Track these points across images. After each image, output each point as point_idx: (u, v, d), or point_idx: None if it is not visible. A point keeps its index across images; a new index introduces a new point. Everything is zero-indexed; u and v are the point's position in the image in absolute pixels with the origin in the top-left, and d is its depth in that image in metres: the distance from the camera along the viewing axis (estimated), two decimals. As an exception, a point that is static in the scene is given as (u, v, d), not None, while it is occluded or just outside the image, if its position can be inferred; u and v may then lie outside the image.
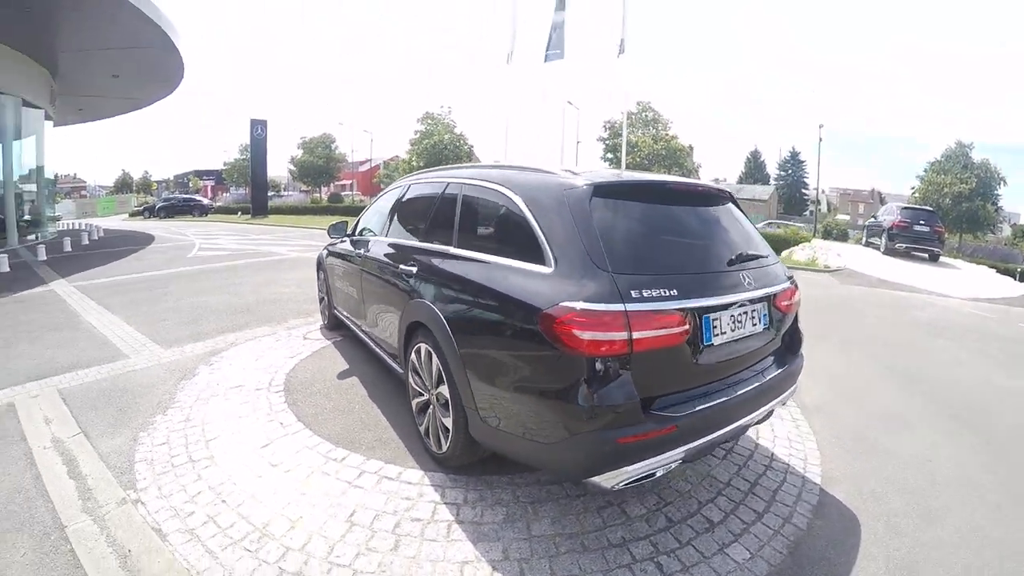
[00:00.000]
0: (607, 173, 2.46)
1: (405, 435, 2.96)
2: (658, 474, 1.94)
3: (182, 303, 6.35)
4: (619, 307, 1.78)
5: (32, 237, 15.87)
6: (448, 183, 2.99)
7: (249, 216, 28.70)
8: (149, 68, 16.59)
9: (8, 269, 9.26)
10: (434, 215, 3.01)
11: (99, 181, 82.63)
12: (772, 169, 60.46)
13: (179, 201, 34.06)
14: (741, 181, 57.86)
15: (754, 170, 60.32)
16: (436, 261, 2.70)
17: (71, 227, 21.73)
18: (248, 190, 35.18)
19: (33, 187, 17.88)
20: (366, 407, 3.35)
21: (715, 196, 2.53)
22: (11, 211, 14.77)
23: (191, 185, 63.97)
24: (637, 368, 1.82)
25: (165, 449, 2.84)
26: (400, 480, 2.53)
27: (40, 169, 17.96)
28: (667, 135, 31.96)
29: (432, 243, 2.88)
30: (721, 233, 2.40)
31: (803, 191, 57.93)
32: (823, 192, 68.48)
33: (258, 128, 30.50)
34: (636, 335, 1.78)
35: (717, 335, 2.08)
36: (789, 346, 2.58)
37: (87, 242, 14.77)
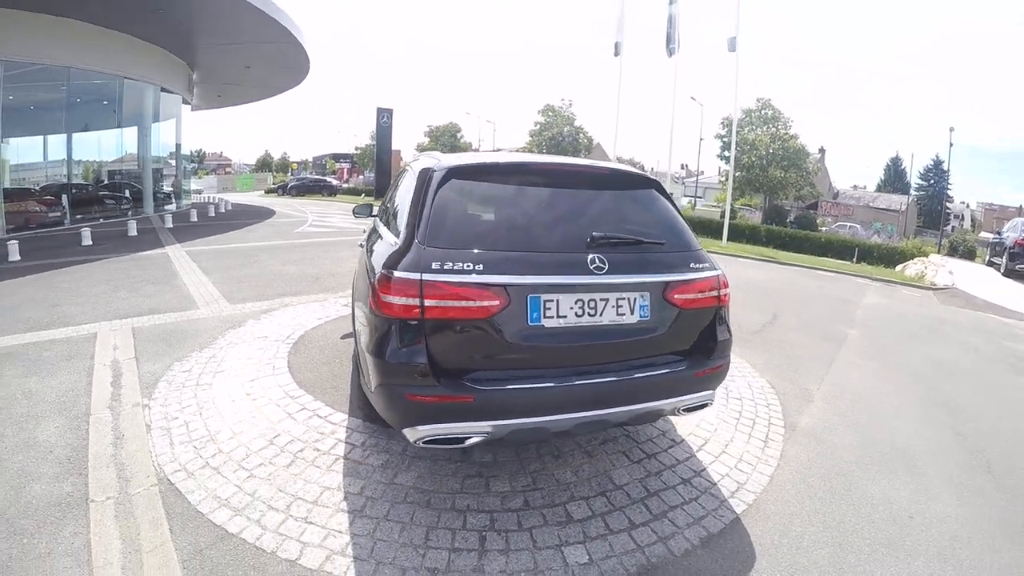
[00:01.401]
0: (480, 156, 2.62)
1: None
2: (467, 443, 2.08)
3: (264, 270, 7.70)
4: (416, 276, 1.99)
5: (168, 207, 19.42)
6: (407, 168, 3.30)
7: (373, 199, 31.88)
8: (277, 60, 19.43)
9: (136, 233, 11.73)
10: (387, 196, 3.54)
11: (244, 160, 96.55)
12: (915, 179, 53.41)
13: (310, 181, 38.76)
14: (880, 189, 53.02)
15: (894, 178, 55.38)
16: (371, 237, 3.19)
17: (206, 200, 25.76)
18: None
19: (171, 163, 21.79)
20: (345, 363, 4.05)
21: (601, 177, 2.57)
22: (148, 184, 18.35)
23: (327, 167, 71.70)
24: (433, 334, 2.02)
25: (184, 375, 3.79)
26: (326, 419, 3.15)
27: (178, 147, 21.92)
28: (786, 134, 30.16)
29: (379, 221, 3.35)
30: (588, 215, 2.39)
31: (946, 204, 50.11)
32: (967, 206, 57.62)
33: (384, 116, 33.41)
34: (428, 303, 1.99)
35: (550, 318, 2.09)
36: (697, 347, 2.40)
37: (213, 214, 17.81)
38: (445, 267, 2.03)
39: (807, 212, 33.95)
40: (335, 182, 40.66)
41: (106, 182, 18.03)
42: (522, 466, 2.68)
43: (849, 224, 32.25)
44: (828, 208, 35.34)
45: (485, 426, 2.06)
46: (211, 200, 24.77)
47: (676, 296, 2.31)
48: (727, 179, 23.54)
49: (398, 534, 2.19)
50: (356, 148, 55.05)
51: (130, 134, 19.20)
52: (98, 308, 5.43)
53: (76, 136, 16.91)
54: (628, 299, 2.22)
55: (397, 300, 2.02)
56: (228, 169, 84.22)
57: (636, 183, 2.61)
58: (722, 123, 31.14)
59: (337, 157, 72.53)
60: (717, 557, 2.13)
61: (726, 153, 31.96)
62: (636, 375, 2.24)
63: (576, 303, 2.14)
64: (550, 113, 36.62)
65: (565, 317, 2.12)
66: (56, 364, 3.92)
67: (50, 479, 2.52)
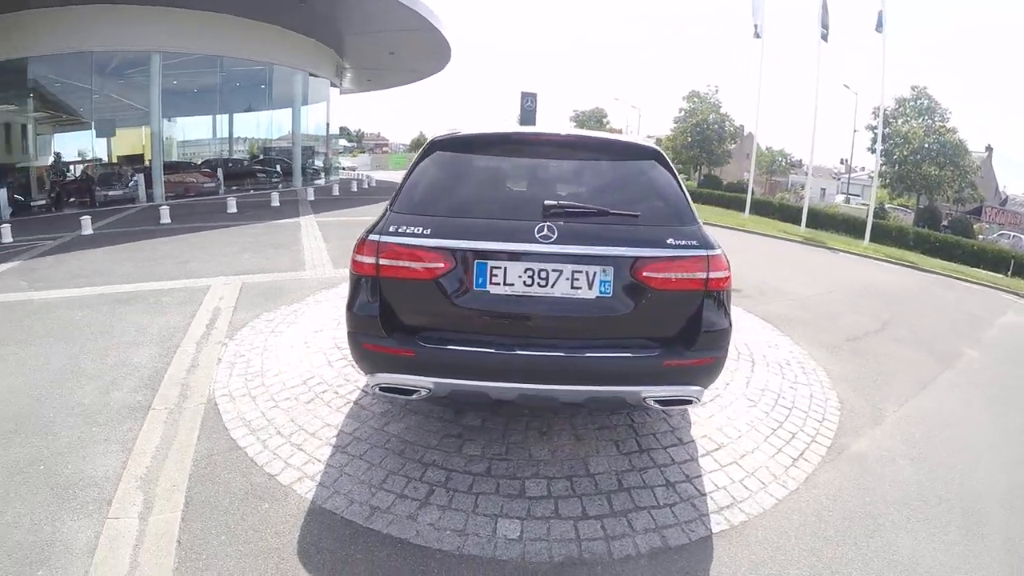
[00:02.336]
0: (477, 128, 2.62)
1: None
2: (414, 396, 2.24)
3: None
4: (376, 238, 2.19)
5: (317, 182, 22.35)
6: None
7: None
8: (419, 47, 21.29)
9: (278, 204, 13.76)
10: None
11: (400, 140, 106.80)
12: None
13: None
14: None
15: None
16: None
17: (353, 177, 28.42)
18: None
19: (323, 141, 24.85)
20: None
21: (592, 148, 2.52)
22: (297, 160, 21.24)
23: None
24: (388, 292, 2.21)
25: (266, 323, 4.50)
26: (357, 369, 3.51)
27: (327, 127, 25.11)
28: (942, 127, 26.55)
29: None
30: (562, 185, 2.40)
31: None
32: None
33: (528, 100, 34.56)
34: (382, 262, 2.18)
35: (497, 284, 2.13)
36: (677, 335, 2.22)
37: (355, 189, 20.12)
38: (399, 231, 2.19)
39: (964, 217, 29.26)
40: None
41: (260, 158, 21.38)
42: (503, 435, 2.74)
43: (1013, 234, 26.68)
44: (993, 215, 29.02)
45: (427, 382, 2.19)
46: (358, 177, 27.56)
47: (646, 274, 2.14)
48: (876, 175, 21.76)
49: (363, 472, 2.45)
50: None
51: (283, 115, 22.51)
52: (220, 265, 6.64)
53: (232, 116, 20.36)
54: (586, 272, 2.13)
55: (361, 259, 2.24)
56: (385, 148, 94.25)
57: (631, 153, 2.50)
58: (873, 113, 27.65)
59: None
60: (656, 573, 1.95)
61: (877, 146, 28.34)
62: (589, 354, 2.16)
63: (525, 272, 2.13)
64: (695, 99, 35.80)
65: (512, 285, 2.14)
66: (168, 307, 4.92)
67: (129, 390, 3.28)
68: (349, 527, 2.11)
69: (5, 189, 15.54)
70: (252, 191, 18.20)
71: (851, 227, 17.64)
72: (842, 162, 50.12)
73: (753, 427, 2.93)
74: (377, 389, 2.30)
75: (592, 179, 2.42)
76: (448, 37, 20.25)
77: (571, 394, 2.20)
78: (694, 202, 2.43)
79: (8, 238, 9.09)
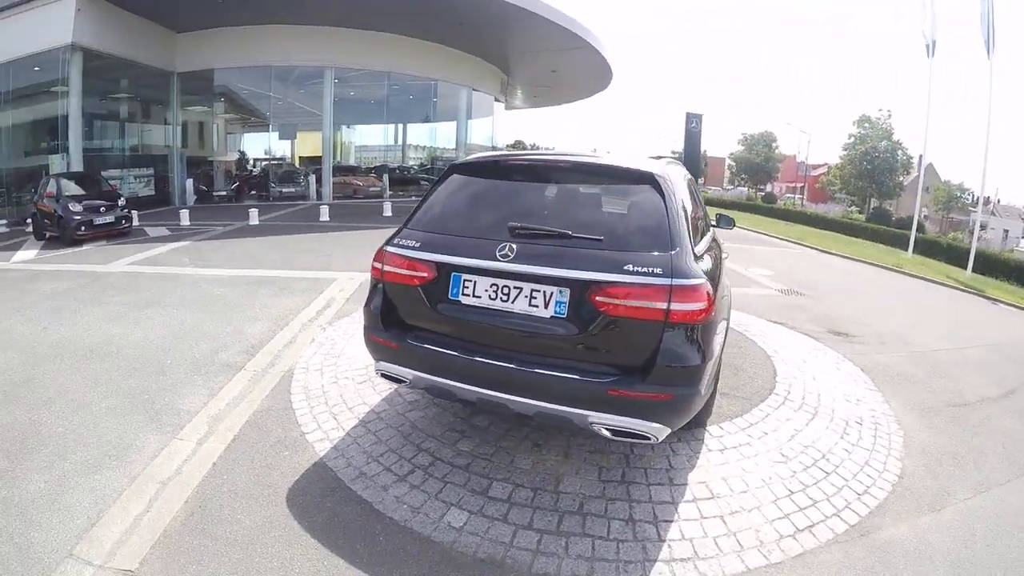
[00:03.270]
0: (494, 154, 2.91)
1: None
2: (400, 385, 2.64)
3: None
4: (386, 248, 2.66)
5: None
6: None
7: None
8: (580, 66, 22.34)
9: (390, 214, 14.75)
10: None
11: None
12: None
13: None
14: None
15: None
16: None
17: None
18: (704, 178, 41.42)
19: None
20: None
21: (587, 172, 2.65)
22: None
23: None
24: (390, 293, 2.66)
25: None
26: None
27: (492, 139, 27.36)
28: None
29: None
30: (532, 204, 2.55)
31: None
32: None
33: (693, 121, 34.09)
34: (386, 268, 2.63)
35: (467, 296, 2.40)
36: (634, 364, 2.21)
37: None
38: (401, 243, 2.64)
39: None
40: None
41: (427, 167, 23.90)
42: (499, 440, 2.96)
43: None
44: None
45: (407, 373, 2.58)
46: None
47: (599, 298, 2.19)
48: None
49: (369, 445, 2.92)
50: (672, 152, 58.21)
51: (449, 127, 25.27)
52: (352, 262, 7.84)
53: (404, 127, 23.04)
54: (543, 292, 2.28)
55: (375, 264, 2.74)
56: None
57: (625, 178, 2.59)
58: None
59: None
60: None
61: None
62: (538, 370, 2.27)
63: (491, 286, 2.37)
64: (866, 125, 33.93)
65: (479, 297, 2.40)
66: (294, 293, 6.06)
67: (234, 352, 4.27)
68: (336, 483, 2.57)
69: (191, 180, 19.85)
70: (414, 197, 20.67)
71: (1024, 274, 15.41)
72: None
73: (767, 484, 2.65)
74: (380, 374, 2.74)
75: (578, 202, 2.55)
76: (607, 56, 20.89)
77: (522, 405, 2.33)
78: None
79: (186, 221, 11.73)
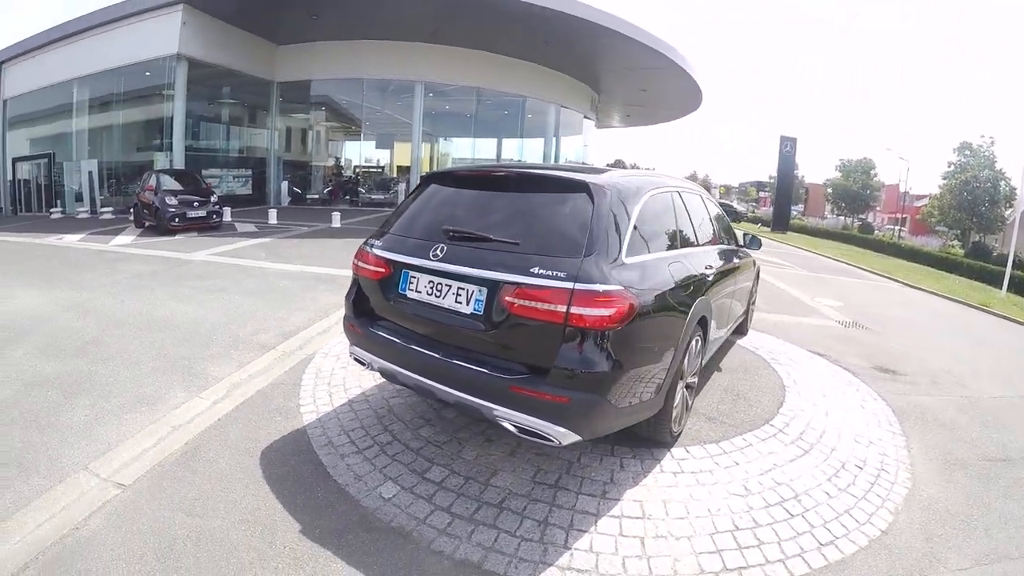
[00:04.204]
0: (456, 167, 3.19)
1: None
2: (365, 368, 3.01)
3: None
4: (362, 246, 3.08)
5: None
6: None
7: (768, 230, 31.39)
8: (669, 85, 22.22)
9: None
10: None
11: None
12: None
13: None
14: None
15: None
16: None
17: None
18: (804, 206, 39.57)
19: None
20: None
21: (527, 181, 2.88)
22: None
23: (748, 194, 77.58)
24: (361, 286, 3.06)
25: None
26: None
27: (582, 156, 27.89)
28: None
29: None
30: (474, 210, 2.80)
31: None
32: None
33: (787, 145, 32.68)
34: (359, 264, 3.04)
35: (412, 291, 2.73)
36: (540, 366, 2.36)
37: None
38: (371, 242, 3.05)
39: None
40: (741, 208, 43.27)
41: None
42: (457, 431, 3.23)
43: None
44: None
45: (366, 356, 2.95)
46: None
47: (506, 298, 2.38)
48: None
49: (347, 421, 3.34)
50: (770, 176, 55.64)
51: (537, 143, 25.87)
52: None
53: (489, 141, 24.01)
54: (466, 290, 2.54)
55: (354, 261, 3.17)
56: None
57: (562, 187, 2.74)
58: None
59: (760, 185, 74.70)
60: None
61: None
62: (456, 361, 2.52)
63: (429, 283, 2.68)
64: (967, 152, 31.49)
65: (420, 292, 2.72)
66: (344, 289, 6.64)
67: (271, 334, 4.96)
68: (306, 446, 3.00)
69: (286, 182, 21.88)
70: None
71: None
72: None
73: (711, 515, 2.58)
74: (352, 357, 3.13)
75: (515, 208, 2.73)
76: (696, 76, 20.63)
77: (443, 393, 2.58)
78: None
79: (274, 220, 13.05)
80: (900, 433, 3.73)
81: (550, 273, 2.33)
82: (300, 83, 21.22)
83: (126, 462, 2.78)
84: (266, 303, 5.99)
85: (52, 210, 18.60)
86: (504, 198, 2.84)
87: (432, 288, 2.67)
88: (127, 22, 16.80)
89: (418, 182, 3.28)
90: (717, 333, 3.93)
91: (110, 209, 17.21)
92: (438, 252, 2.63)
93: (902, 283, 13.46)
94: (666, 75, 20.26)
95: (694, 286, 3.13)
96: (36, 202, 20.50)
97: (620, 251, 2.52)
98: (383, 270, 2.88)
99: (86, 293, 6.26)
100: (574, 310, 2.27)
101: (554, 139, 25.34)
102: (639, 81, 22.31)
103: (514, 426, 2.41)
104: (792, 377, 4.58)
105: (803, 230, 33.52)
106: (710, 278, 3.45)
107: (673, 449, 3.17)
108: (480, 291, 2.49)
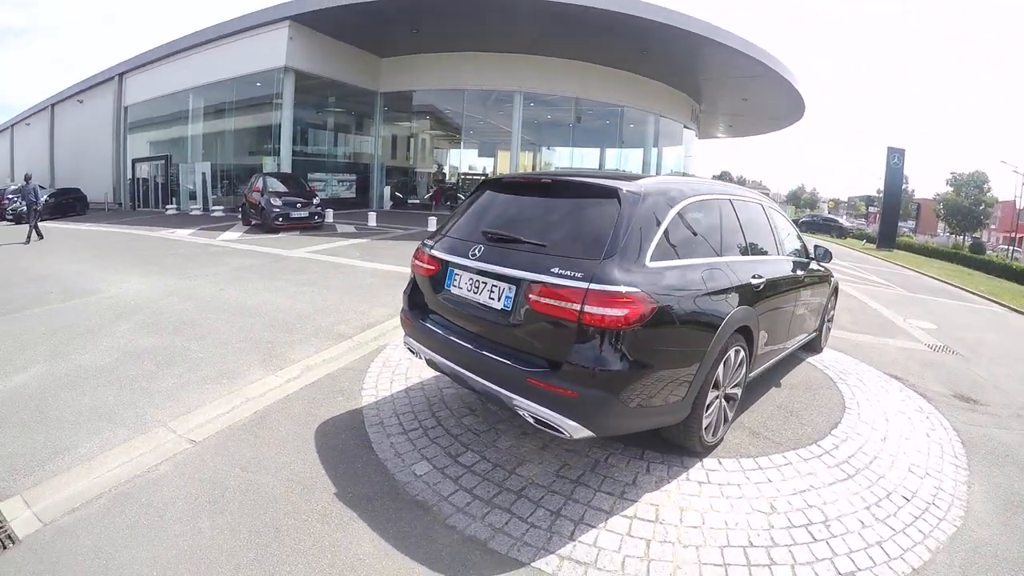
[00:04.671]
0: (512, 173, 3.42)
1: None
2: (415, 357, 3.31)
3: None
4: (420, 246, 3.38)
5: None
6: None
7: (873, 247, 29.13)
8: (770, 94, 21.32)
9: None
10: None
11: (780, 190, 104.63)
12: None
13: (820, 220, 39.85)
14: None
15: None
16: None
17: None
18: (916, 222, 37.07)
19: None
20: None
21: (559, 187, 3.02)
22: None
23: (856, 208, 74.71)
24: (417, 282, 3.38)
25: None
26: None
27: (682, 167, 27.41)
28: None
29: None
30: (514, 214, 2.97)
31: None
32: None
33: (895, 157, 30.33)
34: (415, 262, 3.35)
35: (455, 287, 2.98)
36: (557, 360, 2.50)
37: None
38: (426, 242, 3.35)
39: None
40: (847, 224, 40.59)
41: None
42: (497, 423, 3.44)
43: None
44: None
45: (416, 345, 3.25)
46: None
47: (530, 296, 2.57)
48: None
49: (400, 405, 3.68)
50: (878, 192, 51.88)
51: (636, 154, 25.67)
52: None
53: (589, 151, 24.13)
54: (499, 288, 2.75)
55: (412, 259, 3.49)
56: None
57: (595, 193, 2.87)
58: None
59: (869, 200, 71.12)
60: (462, 551, 2.39)
61: None
62: (485, 352, 2.74)
63: (470, 280, 2.92)
64: None
65: (461, 289, 2.97)
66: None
67: (350, 326, 5.47)
68: (358, 424, 3.37)
69: (389, 187, 22.99)
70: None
71: None
72: None
73: (727, 528, 2.56)
74: (407, 347, 3.44)
75: (550, 212, 2.89)
76: (797, 84, 19.67)
77: (473, 381, 2.80)
78: None
79: (373, 223, 13.86)
80: (964, 467, 3.42)
81: (569, 273, 2.49)
82: (403, 93, 22.70)
83: (200, 424, 3.29)
84: (351, 297, 6.58)
85: (167, 207, 21.29)
86: (543, 203, 3.02)
87: (472, 285, 2.90)
88: (238, 37, 19.08)
89: (478, 186, 3.51)
90: (771, 347, 3.86)
91: (221, 208, 19.34)
92: (476, 252, 2.88)
93: (1008, 307, 11.92)
94: (766, 83, 19.44)
95: (735, 295, 3.13)
96: (153, 199, 23.54)
97: (644, 255, 2.61)
98: (433, 267, 3.16)
99: (190, 281, 7.23)
100: (587, 309, 2.40)
101: (654, 149, 25.05)
102: (739, 90, 21.57)
103: (531, 416, 2.58)
104: (856, 399, 4.35)
105: (910, 248, 30.61)
106: (759, 288, 3.41)
107: (705, 459, 3.17)
108: (509, 288, 2.69)
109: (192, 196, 21.43)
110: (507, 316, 2.71)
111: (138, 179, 24.53)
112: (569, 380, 2.45)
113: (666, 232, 2.80)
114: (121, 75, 23.75)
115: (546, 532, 2.48)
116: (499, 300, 2.75)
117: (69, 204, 21.01)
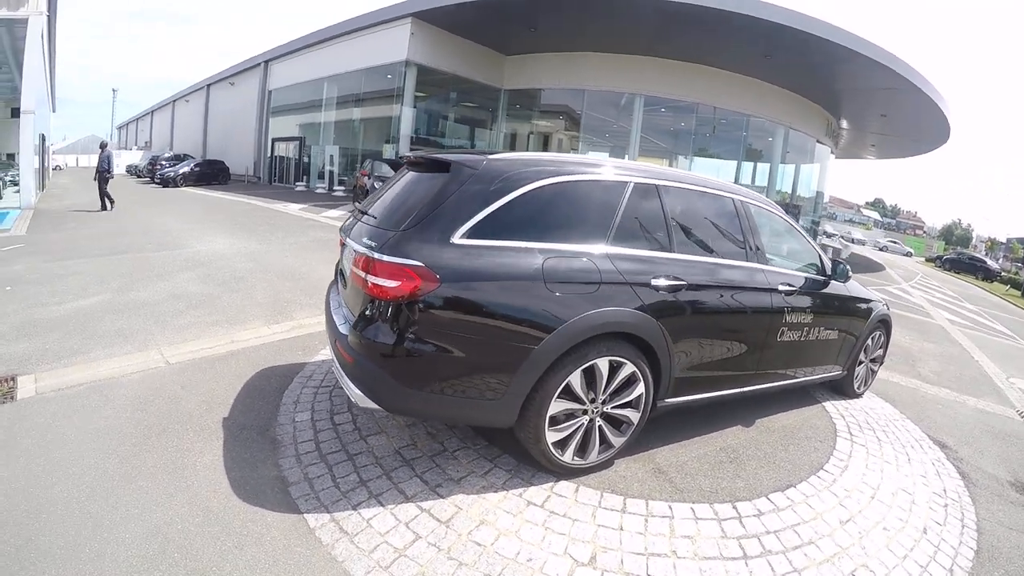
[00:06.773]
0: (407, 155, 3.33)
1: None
2: None
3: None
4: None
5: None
6: None
7: (1018, 295, 25.29)
8: (910, 110, 19.00)
9: None
10: None
11: (936, 223, 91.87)
12: None
13: (967, 259, 37.41)
14: None
15: None
16: None
17: (831, 244, 26.46)
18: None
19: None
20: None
21: (427, 164, 2.99)
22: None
23: (1013, 251, 67.51)
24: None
25: None
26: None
27: (816, 185, 25.84)
28: None
29: None
30: (395, 192, 3.02)
31: None
32: None
33: None
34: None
35: (345, 259, 3.16)
36: (352, 326, 2.64)
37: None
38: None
39: None
40: (994, 266, 35.80)
41: None
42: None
43: None
44: None
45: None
46: (836, 245, 26.18)
47: (354, 267, 2.73)
48: None
49: None
50: None
51: (762, 168, 24.25)
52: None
53: (701, 160, 23.36)
54: (350, 259, 2.90)
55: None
56: (919, 231, 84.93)
57: (438, 168, 2.86)
58: None
59: None
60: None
61: None
62: (334, 318, 3.05)
63: (345, 253, 3.18)
64: None
65: (346, 261, 3.13)
66: None
67: None
68: (291, 375, 4.02)
69: None
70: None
71: None
72: None
73: (513, 561, 2.31)
74: None
75: (405, 188, 2.99)
76: (935, 96, 17.30)
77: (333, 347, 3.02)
78: None
79: None
80: (966, 491, 3.08)
81: (370, 243, 2.56)
82: (526, 91, 23.69)
83: (184, 352, 4.28)
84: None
85: (298, 183, 24.40)
86: (408, 180, 3.03)
87: (346, 257, 3.11)
88: (366, 32, 21.45)
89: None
90: (716, 373, 3.35)
91: (342, 188, 21.78)
92: (347, 226, 3.17)
93: None
94: (903, 97, 17.33)
95: (618, 294, 2.76)
96: (287, 176, 26.97)
97: (453, 231, 2.49)
98: (341, 242, 3.36)
99: (264, 246, 8.69)
100: (370, 278, 2.46)
101: (779, 164, 23.49)
102: (876, 104, 19.35)
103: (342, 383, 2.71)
104: (845, 463, 3.50)
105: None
106: (675, 291, 2.97)
107: (561, 482, 2.84)
108: (356, 260, 2.72)
109: (320, 176, 24.45)
110: (346, 285, 3.03)
111: (276, 156, 28.41)
112: (349, 346, 2.59)
113: (502, 211, 2.59)
114: (267, 62, 27.86)
115: (341, 495, 2.59)
116: (348, 270, 2.98)
117: (213, 174, 24.98)
